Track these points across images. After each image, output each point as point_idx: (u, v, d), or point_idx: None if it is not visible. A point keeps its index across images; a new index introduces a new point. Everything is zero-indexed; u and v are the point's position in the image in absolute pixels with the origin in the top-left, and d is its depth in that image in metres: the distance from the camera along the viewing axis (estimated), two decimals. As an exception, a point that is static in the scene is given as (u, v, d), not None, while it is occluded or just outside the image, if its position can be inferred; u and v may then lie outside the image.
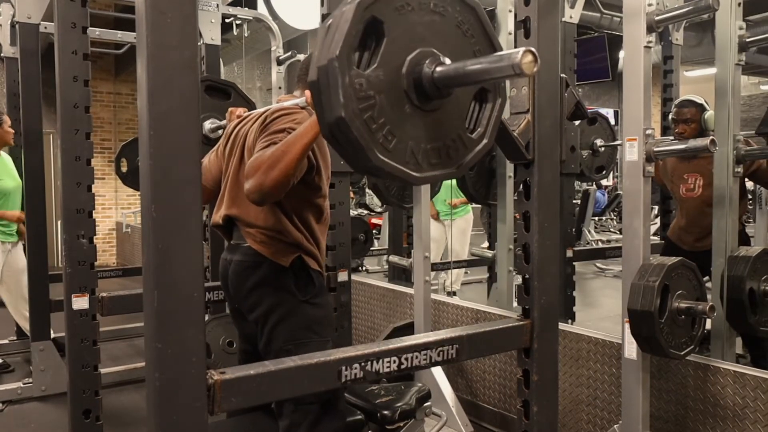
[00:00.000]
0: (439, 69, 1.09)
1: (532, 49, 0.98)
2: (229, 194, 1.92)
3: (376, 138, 1.06)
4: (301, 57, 5.72)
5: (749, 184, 3.49)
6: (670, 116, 3.39)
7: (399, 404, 2.00)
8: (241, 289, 1.87)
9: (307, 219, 1.88)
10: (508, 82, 1.60)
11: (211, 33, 3.87)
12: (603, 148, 3.78)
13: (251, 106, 2.87)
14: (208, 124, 2.65)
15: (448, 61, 1.11)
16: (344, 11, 1.04)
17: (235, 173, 1.92)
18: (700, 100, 3.19)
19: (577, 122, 3.25)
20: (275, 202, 1.79)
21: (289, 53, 4.54)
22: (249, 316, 1.89)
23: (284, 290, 1.83)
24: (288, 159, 1.61)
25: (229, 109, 2.19)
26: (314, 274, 1.88)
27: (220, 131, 2.61)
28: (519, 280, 1.61)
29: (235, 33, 4.71)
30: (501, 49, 1.24)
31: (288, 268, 1.83)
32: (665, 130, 3.87)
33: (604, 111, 12.74)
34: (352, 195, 7.84)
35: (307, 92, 1.78)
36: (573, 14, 3.72)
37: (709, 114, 3.10)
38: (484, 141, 1.22)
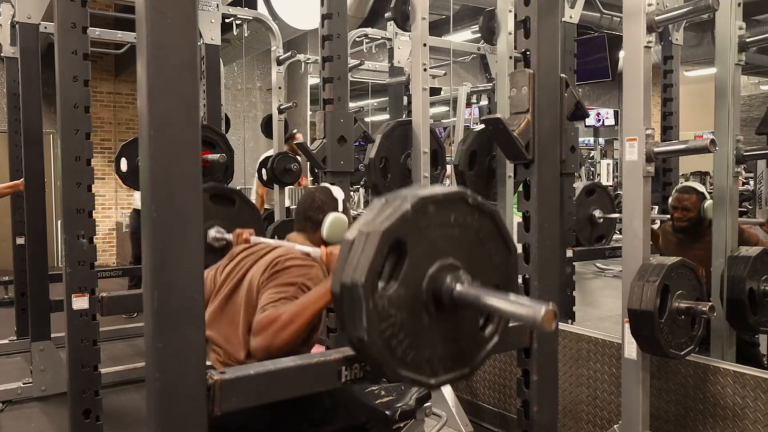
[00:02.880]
0: (458, 289, 1.11)
1: (553, 308, 0.99)
2: (211, 316, 1.89)
3: (396, 354, 1.09)
4: (301, 57, 5.72)
5: (750, 184, 3.48)
6: (669, 201, 3.24)
7: (399, 404, 2.00)
8: None
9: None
10: (507, 84, 1.60)
11: (211, 33, 3.87)
12: (602, 220, 3.79)
13: (256, 213, 2.91)
14: (213, 232, 2.70)
15: (466, 277, 1.13)
16: (370, 234, 1.05)
17: (225, 299, 1.89)
18: (701, 188, 3.10)
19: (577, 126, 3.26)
20: None
21: (289, 53, 4.54)
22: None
23: None
24: (299, 322, 1.60)
25: (236, 231, 2.20)
26: None
27: (224, 242, 2.63)
28: (519, 279, 1.61)
29: (235, 33, 4.71)
30: (515, 250, 1.26)
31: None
32: (665, 130, 3.87)
33: (604, 111, 12.79)
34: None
35: (324, 250, 1.81)
36: (573, 14, 3.72)
37: (709, 203, 3.00)
38: (495, 338, 1.24)
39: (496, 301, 1.07)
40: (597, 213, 3.73)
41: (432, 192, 1.12)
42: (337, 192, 2.04)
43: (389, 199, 1.11)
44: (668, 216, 3.25)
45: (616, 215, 4.01)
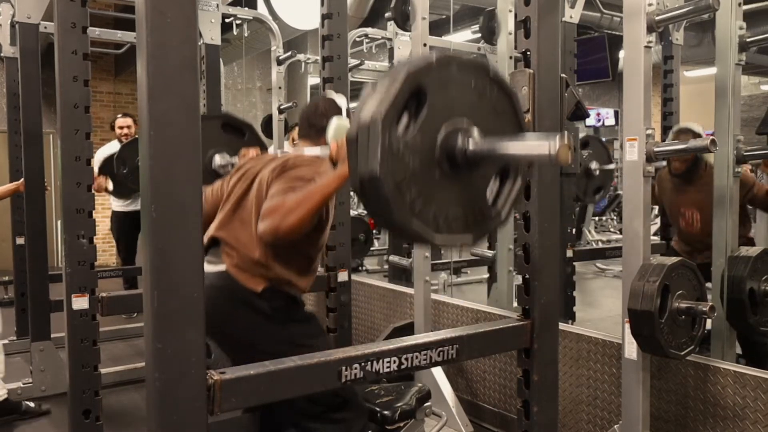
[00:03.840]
0: (472, 144, 1.13)
1: (568, 141, 1.00)
2: (222, 219, 1.91)
3: (405, 198, 1.10)
4: (301, 57, 5.72)
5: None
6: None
7: (399, 404, 2.00)
8: (215, 315, 1.84)
9: (294, 265, 1.85)
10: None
11: (211, 33, 3.87)
12: (598, 171, 3.76)
13: (264, 147, 2.90)
14: (218, 159, 2.67)
15: (479, 136, 1.15)
16: (392, 75, 1.08)
17: (236, 202, 1.90)
18: (698, 128, 3.12)
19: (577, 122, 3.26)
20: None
21: (289, 53, 4.54)
22: (224, 341, 1.88)
23: (259, 313, 1.82)
24: (307, 207, 1.62)
25: (242, 150, 2.21)
26: (287, 295, 1.87)
27: (229, 167, 2.62)
28: (519, 280, 1.61)
29: (235, 33, 4.71)
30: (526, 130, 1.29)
31: (260, 293, 1.81)
32: (665, 130, 3.87)
33: (604, 111, 12.77)
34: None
35: (333, 145, 1.81)
36: (573, 14, 3.72)
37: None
38: (502, 217, 1.27)
39: (509, 145, 1.10)
40: (593, 165, 3.69)
41: (458, 54, 1.17)
42: (341, 100, 2.05)
43: (414, 56, 1.14)
44: (664, 163, 3.29)
45: (613, 166, 3.96)
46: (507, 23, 3.43)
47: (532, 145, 1.07)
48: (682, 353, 2.01)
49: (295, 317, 1.87)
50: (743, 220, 2.92)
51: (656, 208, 4.40)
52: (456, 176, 1.16)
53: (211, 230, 1.91)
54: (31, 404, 3.27)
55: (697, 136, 3.08)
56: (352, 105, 2.10)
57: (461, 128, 1.14)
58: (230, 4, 4.87)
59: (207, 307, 1.83)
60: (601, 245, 7.89)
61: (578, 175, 3.71)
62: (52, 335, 3.58)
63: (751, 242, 3.22)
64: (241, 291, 1.80)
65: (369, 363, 1.32)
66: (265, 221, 1.64)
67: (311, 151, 1.90)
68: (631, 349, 2.06)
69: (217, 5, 3.93)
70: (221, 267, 1.83)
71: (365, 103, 1.09)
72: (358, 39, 4.96)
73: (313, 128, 1.98)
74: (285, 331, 1.83)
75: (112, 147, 4.83)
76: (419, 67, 1.09)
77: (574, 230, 5.07)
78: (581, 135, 3.87)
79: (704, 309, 1.96)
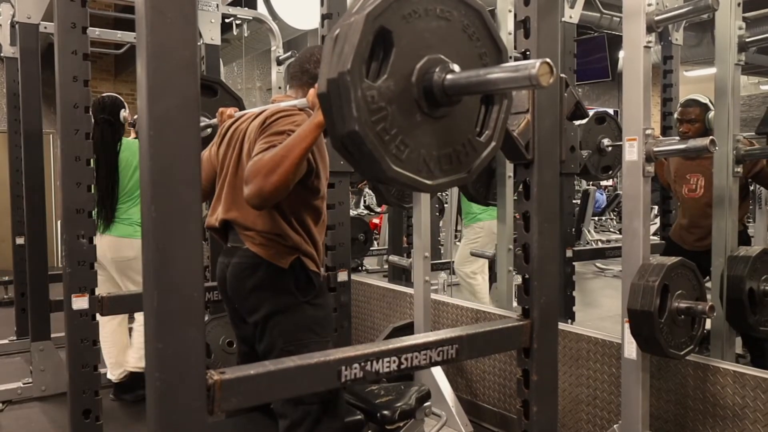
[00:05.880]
0: (449, 77, 1.07)
1: (548, 61, 0.97)
2: (226, 197, 1.90)
3: (390, 149, 1.05)
4: (300, 57, 5.72)
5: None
6: (674, 115, 3.40)
7: (399, 404, 2.00)
8: (240, 291, 1.86)
9: (305, 221, 1.87)
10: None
11: (211, 33, 3.87)
12: (610, 148, 3.75)
13: (239, 102, 2.86)
14: None
15: (456, 68, 1.09)
16: (352, 22, 1.02)
17: (233, 175, 1.90)
18: (704, 99, 3.19)
19: (582, 121, 3.25)
20: (274, 205, 1.79)
21: (289, 53, 4.54)
22: (249, 319, 1.88)
23: (284, 292, 1.83)
24: (288, 163, 1.59)
25: (220, 109, 2.18)
26: (313, 275, 1.88)
27: (208, 130, 2.60)
28: (519, 280, 1.61)
29: (235, 33, 4.71)
30: (506, 50, 1.23)
31: (287, 269, 1.82)
32: (665, 130, 3.87)
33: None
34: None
35: (311, 92, 1.75)
36: (573, 14, 3.72)
37: (713, 114, 3.10)
38: (493, 143, 1.21)
39: (489, 74, 1.04)
40: (606, 141, 3.69)
41: None
42: None
43: None
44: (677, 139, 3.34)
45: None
46: (506, 23, 3.43)
47: (512, 73, 1.01)
48: (682, 353, 2.01)
49: (314, 302, 1.87)
50: (743, 195, 2.93)
51: (656, 208, 4.41)
52: (437, 114, 1.10)
53: (220, 213, 1.90)
54: None
55: (704, 107, 3.17)
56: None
57: (433, 61, 1.08)
58: (230, 4, 4.87)
59: (230, 282, 1.87)
60: (600, 245, 7.89)
61: (591, 151, 3.70)
62: (52, 335, 3.58)
63: (745, 232, 3.23)
64: (268, 268, 1.81)
65: (369, 363, 1.32)
66: (249, 185, 1.61)
67: (289, 102, 1.86)
68: (630, 349, 2.06)
69: (217, 5, 3.93)
70: (244, 247, 1.84)
71: (327, 57, 1.04)
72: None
73: (305, 74, 1.94)
74: (303, 314, 1.84)
75: None
76: (377, 5, 1.01)
77: (573, 230, 5.05)
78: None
79: (704, 309, 1.96)
